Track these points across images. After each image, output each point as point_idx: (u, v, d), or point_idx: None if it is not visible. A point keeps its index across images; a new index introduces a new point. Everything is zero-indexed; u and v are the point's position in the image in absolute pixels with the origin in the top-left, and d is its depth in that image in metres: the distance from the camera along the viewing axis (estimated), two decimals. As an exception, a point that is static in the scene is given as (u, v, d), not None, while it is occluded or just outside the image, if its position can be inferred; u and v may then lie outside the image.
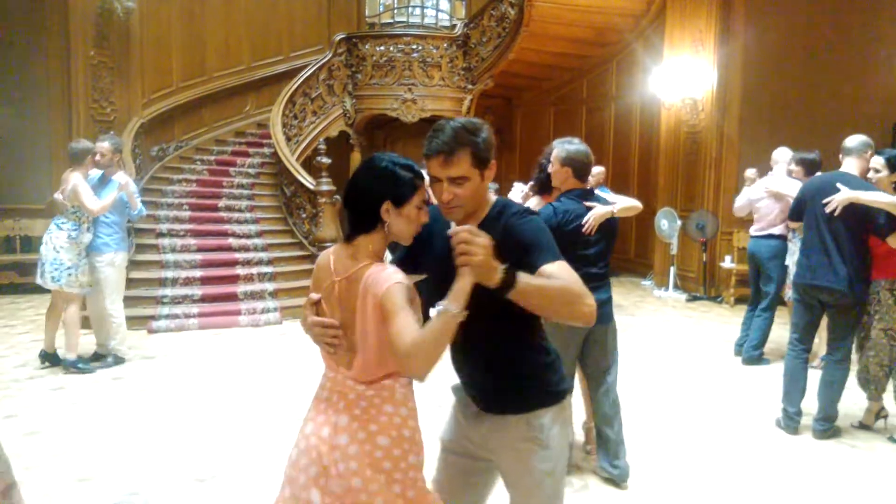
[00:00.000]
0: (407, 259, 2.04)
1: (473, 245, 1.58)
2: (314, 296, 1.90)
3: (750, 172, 6.96)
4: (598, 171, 8.23)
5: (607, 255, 3.53)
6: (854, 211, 4.06)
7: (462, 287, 1.61)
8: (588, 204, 3.37)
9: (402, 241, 1.89)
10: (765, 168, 6.36)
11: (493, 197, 2.00)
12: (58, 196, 5.47)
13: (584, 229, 3.33)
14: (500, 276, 1.62)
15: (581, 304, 1.71)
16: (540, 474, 1.94)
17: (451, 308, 1.60)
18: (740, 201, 6.33)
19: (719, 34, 9.07)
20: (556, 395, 1.99)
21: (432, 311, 1.65)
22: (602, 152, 11.66)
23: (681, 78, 9.21)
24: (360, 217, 1.84)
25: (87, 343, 5.89)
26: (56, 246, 5.35)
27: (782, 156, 6.08)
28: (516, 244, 1.82)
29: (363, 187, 1.84)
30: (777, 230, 5.91)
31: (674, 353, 6.43)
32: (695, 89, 9.18)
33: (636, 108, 11.08)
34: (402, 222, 1.83)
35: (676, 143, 9.70)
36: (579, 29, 10.53)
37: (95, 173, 5.65)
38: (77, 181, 5.34)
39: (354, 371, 1.85)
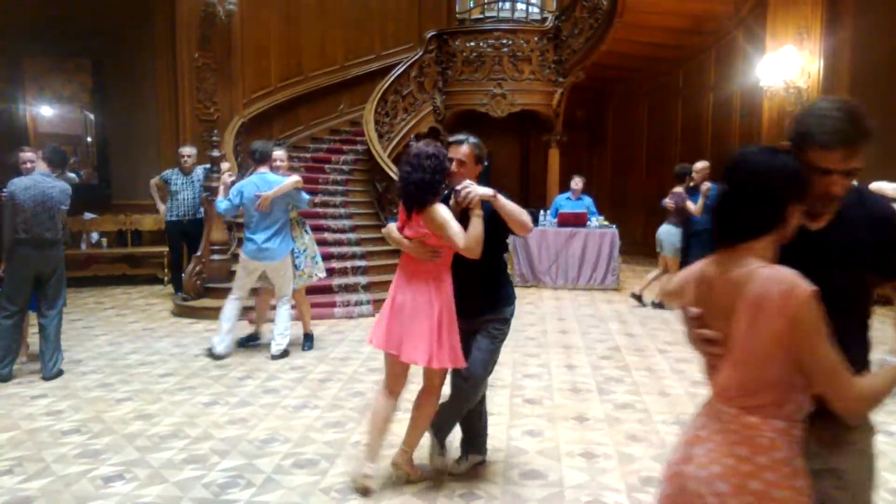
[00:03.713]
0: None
1: None
2: (694, 310, 1.74)
3: None
4: (700, 165, 7.93)
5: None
6: None
7: None
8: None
9: (783, 241, 1.71)
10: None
11: None
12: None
13: None
14: None
15: None
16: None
17: None
18: None
19: (826, 20, 8.59)
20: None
21: None
22: (699, 144, 11.29)
23: (784, 66, 8.79)
24: (759, 218, 1.64)
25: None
26: None
27: None
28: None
29: (772, 185, 1.63)
30: None
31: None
32: (799, 78, 8.74)
33: (736, 98, 10.66)
34: (794, 222, 1.67)
35: (780, 135, 9.26)
36: (676, 18, 10.22)
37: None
38: None
39: (718, 387, 1.68)
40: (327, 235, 8.73)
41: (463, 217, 3.10)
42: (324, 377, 5.32)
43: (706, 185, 7.67)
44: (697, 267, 1.78)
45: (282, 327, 5.93)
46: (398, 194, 3.24)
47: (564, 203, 9.91)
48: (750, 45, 9.79)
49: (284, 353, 5.91)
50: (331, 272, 8.12)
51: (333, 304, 7.63)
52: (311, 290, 7.76)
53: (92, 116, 10.04)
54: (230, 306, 5.88)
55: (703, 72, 11.50)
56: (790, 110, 8.96)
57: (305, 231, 6.24)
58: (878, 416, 3.88)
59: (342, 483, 3.45)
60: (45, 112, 9.91)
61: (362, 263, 8.38)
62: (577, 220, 9.59)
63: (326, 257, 8.31)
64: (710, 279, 1.70)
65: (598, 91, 13.35)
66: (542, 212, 9.97)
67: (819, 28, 8.63)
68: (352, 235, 8.85)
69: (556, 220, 9.74)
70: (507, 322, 3.42)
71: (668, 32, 10.77)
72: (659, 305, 8.09)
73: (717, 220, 1.71)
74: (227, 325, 5.84)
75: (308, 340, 6.26)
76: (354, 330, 6.94)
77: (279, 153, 6.14)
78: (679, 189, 7.98)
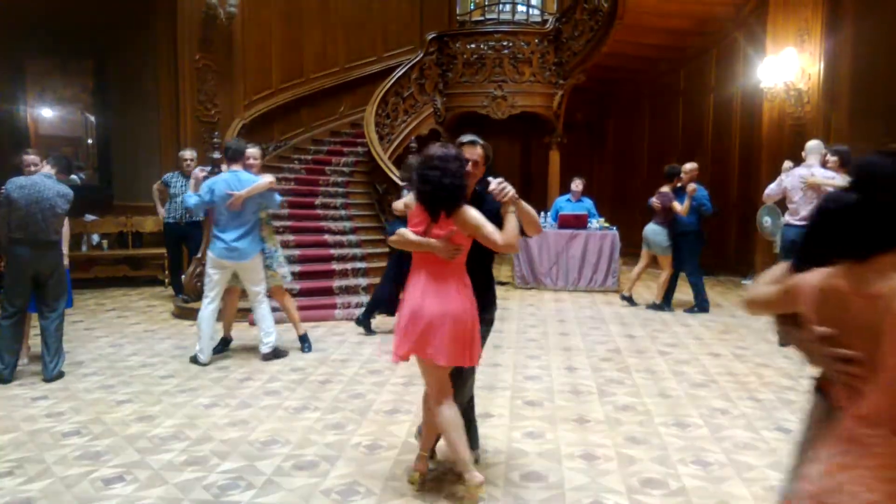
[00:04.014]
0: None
1: None
2: (824, 329, 1.65)
3: (787, 165, 7.11)
4: (689, 167, 7.97)
5: None
6: None
7: None
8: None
9: None
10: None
11: None
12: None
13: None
14: None
15: None
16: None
17: None
18: (775, 189, 6.84)
19: (827, 22, 8.60)
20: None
21: None
22: (700, 146, 11.31)
23: (785, 68, 8.79)
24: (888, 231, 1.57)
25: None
26: None
27: (816, 148, 6.56)
28: None
29: None
30: None
31: (781, 354, 6.15)
32: (800, 79, 8.74)
33: (737, 99, 10.67)
34: None
35: (780, 136, 9.27)
36: (676, 19, 10.24)
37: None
38: None
39: (864, 411, 1.58)
40: (328, 237, 8.75)
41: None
42: (324, 379, 5.31)
43: (692, 187, 7.76)
44: (813, 279, 1.68)
45: (265, 326, 5.83)
46: (421, 198, 3.15)
47: (565, 205, 9.92)
48: (750, 47, 9.81)
49: (277, 353, 5.86)
50: (331, 274, 8.16)
51: (334, 306, 7.63)
52: (312, 292, 7.81)
53: (93, 118, 10.05)
54: (208, 311, 5.72)
55: (704, 73, 11.51)
56: (790, 112, 8.97)
57: (276, 232, 6.12)
58: None
59: (342, 485, 3.45)
60: (46, 114, 9.92)
61: (362, 265, 8.39)
62: (578, 222, 9.60)
63: (327, 259, 8.36)
64: (842, 295, 1.61)
65: (599, 93, 13.35)
66: (542, 213, 9.96)
67: (820, 30, 8.63)
68: (352, 237, 8.86)
69: (556, 221, 9.74)
70: (492, 323, 3.56)
71: (668, 34, 10.78)
72: (659, 307, 8.08)
73: (840, 232, 1.62)
74: (208, 330, 5.72)
75: (305, 342, 6.17)
76: (355, 332, 6.94)
77: (253, 151, 5.96)
78: (666, 189, 8.03)
